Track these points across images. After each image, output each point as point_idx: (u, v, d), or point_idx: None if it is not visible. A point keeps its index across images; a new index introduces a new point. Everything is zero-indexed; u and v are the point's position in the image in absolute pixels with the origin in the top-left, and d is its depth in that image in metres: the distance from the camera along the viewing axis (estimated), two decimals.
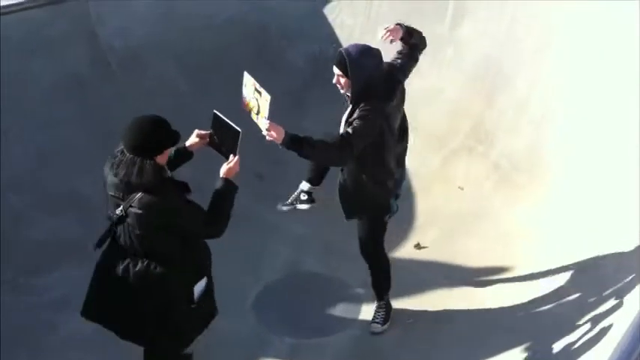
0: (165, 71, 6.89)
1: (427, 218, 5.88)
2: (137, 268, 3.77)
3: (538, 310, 4.87)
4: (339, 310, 5.17)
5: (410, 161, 6.22)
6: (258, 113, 3.98)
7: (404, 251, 5.62)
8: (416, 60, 4.52)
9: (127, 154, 3.60)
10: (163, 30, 7.01)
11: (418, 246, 5.64)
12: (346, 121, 4.12)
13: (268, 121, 3.90)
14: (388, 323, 4.91)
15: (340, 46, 7.10)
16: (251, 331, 4.96)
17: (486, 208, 5.86)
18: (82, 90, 6.51)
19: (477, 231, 5.69)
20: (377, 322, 4.90)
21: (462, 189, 6.03)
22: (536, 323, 4.73)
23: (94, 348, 4.63)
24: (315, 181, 4.89)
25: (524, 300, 4.96)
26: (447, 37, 6.62)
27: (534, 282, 5.11)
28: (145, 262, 3.76)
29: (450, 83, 6.53)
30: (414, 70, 6.48)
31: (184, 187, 3.76)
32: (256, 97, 3.99)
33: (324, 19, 7.21)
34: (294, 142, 3.91)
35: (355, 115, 4.03)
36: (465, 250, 5.55)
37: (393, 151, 4.33)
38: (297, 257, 5.60)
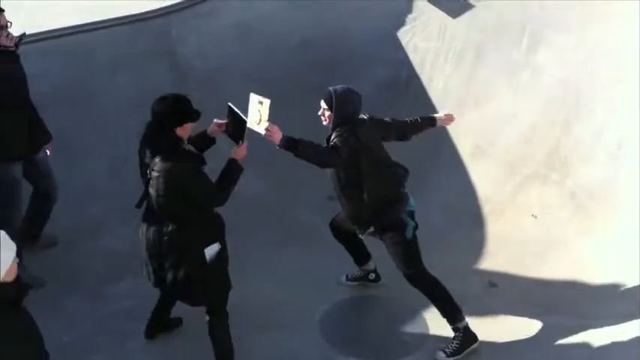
0: (239, 91, 7.00)
1: (498, 244, 5.81)
2: (155, 228, 4.27)
3: (618, 341, 4.70)
4: (405, 334, 5.13)
5: (482, 186, 6.30)
6: (260, 121, 4.33)
7: (475, 279, 5.58)
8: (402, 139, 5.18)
9: (154, 125, 4.21)
10: (239, 50, 7.20)
11: (492, 285, 5.54)
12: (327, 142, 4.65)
13: (268, 123, 4.30)
14: (459, 356, 4.75)
15: (412, 70, 7.17)
16: (317, 349, 4.95)
17: (559, 237, 5.75)
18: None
19: (549, 259, 5.59)
20: (444, 351, 4.78)
21: (536, 217, 5.94)
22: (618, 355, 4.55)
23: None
24: (360, 261, 5.43)
25: (598, 332, 4.81)
26: (523, 62, 6.58)
27: (602, 321, 4.95)
28: (162, 222, 4.25)
29: (526, 109, 6.46)
30: (488, 95, 6.52)
31: (200, 159, 4.30)
32: (259, 109, 4.36)
33: (397, 43, 7.25)
34: (289, 143, 4.35)
35: (333, 137, 4.60)
36: (538, 279, 5.46)
37: (383, 174, 4.75)
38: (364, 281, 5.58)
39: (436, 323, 5.09)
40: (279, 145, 4.33)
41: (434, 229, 5.71)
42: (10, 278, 2.86)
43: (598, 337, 4.76)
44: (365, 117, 4.80)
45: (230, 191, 4.33)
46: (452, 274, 5.53)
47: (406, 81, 7.08)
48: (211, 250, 4.35)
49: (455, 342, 4.79)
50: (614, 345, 4.63)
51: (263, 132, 4.31)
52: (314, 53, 7.24)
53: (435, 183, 6.29)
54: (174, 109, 4.24)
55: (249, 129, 4.36)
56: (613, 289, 5.15)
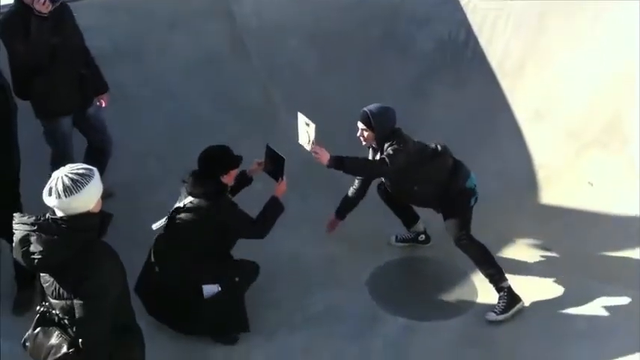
0: (295, 51, 7.04)
1: (553, 211, 5.71)
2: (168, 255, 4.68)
3: None
4: (454, 295, 5.14)
5: (539, 152, 6.17)
6: (309, 142, 4.78)
7: (527, 246, 5.51)
8: None
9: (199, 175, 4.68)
10: (295, 10, 7.16)
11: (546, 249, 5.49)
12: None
13: (316, 146, 4.76)
14: (507, 314, 4.81)
15: (471, 31, 7.02)
16: (365, 307, 5.01)
17: (616, 207, 5.62)
18: (216, 66, 6.78)
19: (605, 228, 5.48)
20: (494, 311, 4.83)
21: (592, 185, 5.81)
22: None
23: None
24: (409, 223, 5.53)
25: None
26: (587, 30, 6.36)
27: None
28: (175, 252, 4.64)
29: (587, 76, 6.27)
30: (549, 60, 6.36)
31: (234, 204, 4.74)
32: (306, 130, 4.80)
33: (456, 3, 7.10)
34: (337, 163, 4.76)
35: (385, 149, 4.83)
36: (588, 247, 5.36)
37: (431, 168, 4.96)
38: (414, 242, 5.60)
39: (484, 285, 5.09)
40: (327, 165, 4.73)
41: (488, 194, 5.59)
42: (97, 210, 3.12)
43: None
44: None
45: (270, 226, 4.73)
46: (504, 238, 5.52)
47: (465, 42, 6.94)
48: (208, 289, 4.62)
49: (501, 302, 4.84)
50: None
51: (310, 150, 4.78)
52: (372, 11, 7.15)
53: (491, 147, 6.19)
54: (221, 159, 4.72)
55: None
56: None
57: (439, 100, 6.76)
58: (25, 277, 4.75)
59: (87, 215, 3.06)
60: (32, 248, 3.04)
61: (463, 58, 6.91)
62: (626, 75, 6.07)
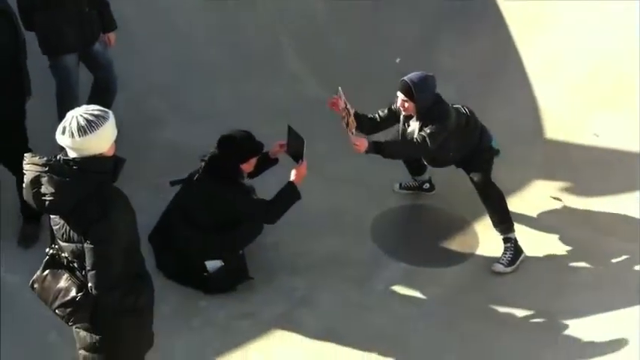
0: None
1: (559, 163, 5.72)
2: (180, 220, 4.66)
3: None
4: (455, 243, 5.14)
5: (547, 104, 6.13)
6: (347, 126, 4.72)
7: (532, 198, 5.50)
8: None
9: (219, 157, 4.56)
10: None
11: (556, 198, 5.47)
12: (419, 130, 4.76)
13: (354, 136, 4.67)
14: (513, 267, 4.83)
15: None
16: (368, 252, 5.02)
17: (620, 160, 5.61)
18: (223, 8, 6.67)
19: (607, 182, 5.48)
20: (501, 263, 4.84)
21: (597, 136, 5.79)
22: None
23: None
24: (415, 172, 5.46)
25: None
26: None
27: None
28: (186, 221, 4.61)
29: (600, 30, 6.20)
30: (562, 9, 6.26)
31: (249, 190, 4.69)
32: (346, 114, 4.72)
33: None
34: (376, 149, 4.67)
35: (426, 127, 4.71)
36: (593, 200, 5.37)
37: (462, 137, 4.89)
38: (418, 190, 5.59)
39: (485, 235, 5.13)
40: (366, 152, 4.66)
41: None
42: (111, 153, 3.05)
43: None
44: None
45: (282, 213, 4.55)
46: (509, 189, 5.48)
47: None
48: (212, 264, 4.58)
49: (508, 253, 4.85)
50: None
51: (350, 138, 4.68)
52: None
53: (500, 97, 6.15)
54: (239, 146, 4.56)
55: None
56: None
57: (449, 50, 6.68)
58: (31, 210, 4.73)
59: (100, 158, 2.99)
60: (43, 189, 2.97)
61: (473, 7, 6.81)
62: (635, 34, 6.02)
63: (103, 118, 2.98)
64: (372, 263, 4.94)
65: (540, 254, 4.99)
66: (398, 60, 6.58)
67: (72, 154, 2.98)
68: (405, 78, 4.70)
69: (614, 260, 4.90)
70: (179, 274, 4.67)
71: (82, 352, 3.31)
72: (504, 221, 4.87)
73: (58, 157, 3.02)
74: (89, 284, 3.08)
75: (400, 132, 4.93)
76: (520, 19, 6.59)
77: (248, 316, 4.48)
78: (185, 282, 4.65)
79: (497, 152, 5.00)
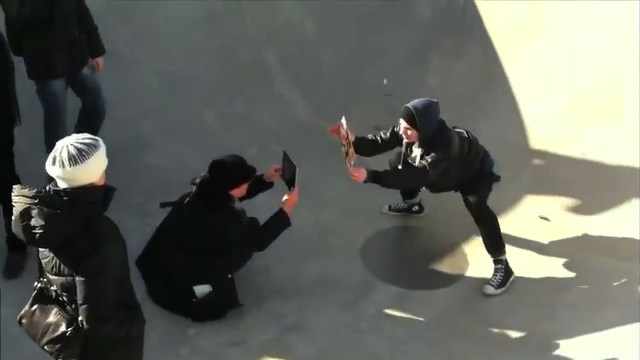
0: (293, 13, 6.94)
1: (548, 181, 5.72)
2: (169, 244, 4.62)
3: None
4: (445, 265, 5.14)
5: (538, 122, 6.14)
6: (347, 155, 4.65)
7: (521, 217, 5.51)
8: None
9: (209, 182, 4.53)
10: None
11: (544, 218, 5.48)
12: (421, 158, 4.68)
13: (352, 167, 4.60)
14: (504, 288, 4.83)
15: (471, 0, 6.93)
16: (358, 275, 5.01)
17: (612, 179, 5.62)
18: (210, 26, 6.68)
19: (599, 201, 5.49)
20: (491, 285, 4.83)
21: (584, 154, 5.81)
22: None
23: None
24: (407, 195, 5.46)
25: None
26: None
27: None
28: (176, 244, 4.57)
29: (590, 48, 6.23)
30: (551, 30, 6.26)
31: (239, 214, 4.65)
32: (347, 143, 4.66)
33: None
34: (375, 179, 4.59)
35: (428, 155, 4.61)
36: (583, 219, 5.38)
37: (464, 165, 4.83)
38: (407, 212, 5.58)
39: (475, 256, 5.13)
40: (364, 181, 4.58)
41: None
42: (102, 183, 3.00)
43: None
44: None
45: (271, 240, 4.59)
46: (499, 208, 5.48)
47: (464, 9, 6.85)
48: (200, 290, 4.55)
49: (498, 274, 4.85)
50: None
51: (347, 168, 4.60)
52: None
53: (489, 116, 6.15)
54: (231, 171, 4.53)
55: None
56: None
57: (438, 68, 6.71)
58: (17, 240, 4.70)
59: (91, 188, 2.94)
60: (33, 222, 2.91)
61: (462, 26, 6.84)
62: (628, 47, 6.04)
63: (95, 146, 2.93)
64: (362, 286, 4.93)
65: (529, 274, 4.99)
66: (385, 81, 6.62)
67: (62, 185, 2.93)
68: (409, 105, 4.61)
69: (603, 279, 4.89)
70: (168, 299, 4.64)
71: None
72: (497, 245, 4.86)
73: (47, 188, 2.97)
74: (80, 318, 3.03)
75: (402, 156, 4.87)
76: (507, 37, 6.61)
77: (238, 343, 4.46)
78: (173, 308, 4.62)
79: (497, 178, 4.94)
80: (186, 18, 6.59)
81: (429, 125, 4.59)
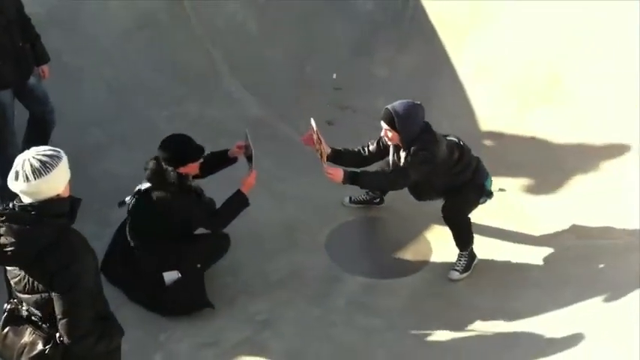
0: (235, 12, 6.90)
1: (498, 166, 5.80)
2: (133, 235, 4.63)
3: (613, 266, 4.79)
4: (409, 253, 5.19)
5: (483, 108, 6.29)
6: (320, 156, 4.63)
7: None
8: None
9: (160, 163, 4.49)
10: None
11: (501, 189, 5.55)
12: (405, 159, 4.59)
13: (328, 166, 4.56)
14: (468, 273, 4.91)
15: None
16: (325, 269, 5.03)
17: (559, 158, 5.79)
18: (154, 30, 6.59)
19: (550, 180, 5.65)
20: (456, 270, 4.91)
21: (534, 138, 5.97)
22: (609, 279, 4.65)
23: None
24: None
25: (600, 255, 4.92)
26: None
27: (606, 241, 5.05)
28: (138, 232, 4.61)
29: (530, 32, 6.39)
30: (491, 13, 6.39)
31: (197, 193, 4.61)
32: (318, 143, 4.62)
33: None
34: (352, 179, 4.53)
35: (410, 155, 4.52)
36: (538, 198, 5.53)
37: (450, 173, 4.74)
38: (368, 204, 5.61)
39: (438, 242, 5.21)
40: (342, 182, 4.52)
41: None
42: (67, 194, 2.96)
43: (602, 255, 4.88)
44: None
45: (228, 221, 4.60)
46: None
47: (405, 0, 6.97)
48: (169, 276, 4.57)
49: (462, 260, 4.93)
50: (619, 261, 4.74)
51: (324, 169, 4.54)
52: None
53: (436, 104, 6.20)
54: (178, 151, 4.50)
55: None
56: (616, 206, 5.22)
57: (382, 59, 6.78)
58: None
59: (57, 200, 2.89)
60: (3, 240, 2.85)
61: (404, 16, 6.93)
62: (568, 30, 6.23)
63: (57, 157, 2.89)
64: (329, 279, 4.95)
65: (490, 257, 5.09)
66: (334, 75, 6.66)
67: (27, 200, 2.88)
68: (389, 106, 4.56)
69: (560, 258, 5.03)
70: (143, 296, 4.61)
71: None
72: (465, 242, 4.91)
73: (12, 205, 2.90)
74: (58, 334, 2.97)
75: (391, 163, 4.78)
76: (450, 25, 6.74)
77: (211, 345, 4.43)
78: (142, 301, 4.60)
79: (489, 194, 4.84)
80: (129, 23, 6.48)
81: (410, 127, 4.50)
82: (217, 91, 6.48)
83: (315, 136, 4.64)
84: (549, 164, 5.75)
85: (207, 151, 5.51)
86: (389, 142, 4.67)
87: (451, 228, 4.90)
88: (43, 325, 3.03)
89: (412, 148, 4.51)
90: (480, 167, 4.84)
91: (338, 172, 4.51)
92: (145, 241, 4.58)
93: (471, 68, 6.52)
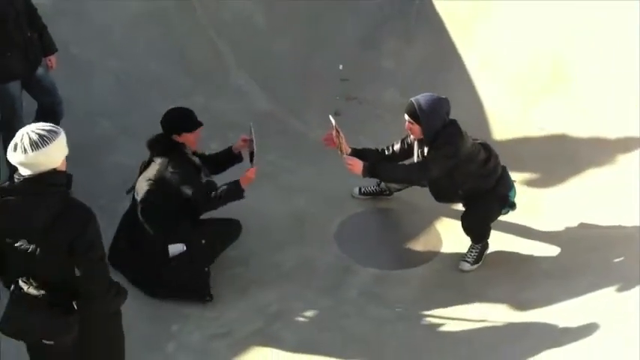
0: (243, 4, 6.88)
1: (509, 157, 5.79)
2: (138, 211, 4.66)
3: (624, 256, 4.77)
4: (420, 244, 5.19)
5: (492, 101, 6.27)
6: (340, 151, 4.66)
7: None
8: None
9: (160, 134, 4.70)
10: None
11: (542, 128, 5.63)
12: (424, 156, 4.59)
13: (348, 157, 4.57)
14: (478, 264, 4.90)
15: None
16: (336, 260, 5.02)
17: (565, 149, 5.78)
18: (161, 21, 6.57)
19: (558, 172, 5.64)
20: (467, 261, 4.89)
21: (543, 129, 5.95)
22: (620, 269, 4.64)
23: None
24: None
25: (611, 245, 4.90)
26: None
27: (617, 232, 5.04)
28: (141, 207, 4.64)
29: (533, 25, 6.37)
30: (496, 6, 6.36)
31: (196, 167, 4.68)
32: (338, 137, 4.65)
33: None
34: (372, 171, 4.53)
35: (434, 149, 4.50)
36: (546, 191, 5.51)
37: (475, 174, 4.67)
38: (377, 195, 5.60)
39: (448, 233, 5.21)
40: (362, 175, 4.52)
41: None
42: (64, 168, 3.09)
43: (613, 246, 4.87)
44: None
45: (216, 205, 4.61)
46: None
47: None
48: (174, 248, 4.59)
49: (474, 251, 4.91)
50: (630, 252, 4.73)
51: (344, 161, 4.55)
52: None
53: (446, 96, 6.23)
54: (172, 119, 4.69)
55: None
56: (626, 198, 5.21)
57: (390, 52, 6.76)
58: None
59: (54, 172, 3.01)
60: (12, 213, 2.96)
61: (411, 8, 6.92)
62: (572, 20, 6.22)
63: (55, 132, 3.02)
64: (340, 270, 4.94)
65: (501, 248, 5.08)
66: (341, 67, 6.64)
67: (25, 172, 2.98)
68: (412, 99, 4.53)
69: (572, 247, 5.02)
70: (142, 273, 4.64)
71: None
72: (483, 236, 4.88)
73: (15, 179, 3.00)
74: (75, 301, 3.08)
75: (416, 158, 4.73)
76: (457, 18, 6.72)
77: (223, 335, 4.42)
78: (147, 282, 4.62)
79: (512, 205, 4.79)
80: (137, 15, 6.46)
81: (433, 120, 4.46)
82: (225, 84, 6.46)
83: (334, 132, 4.64)
84: (558, 157, 5.74)
85: (215, 144, 5.57)
86: (411, 137, 4.63)
87: (470, 235, 4.85)
88: (57, 298, 3.10)
89: (436, 142, 4.45)
90: (505, 176, 4.78)
91: (357, 163, 4.50)
92: (151, 216, 4.61)
93: (478, 61, 6.50)
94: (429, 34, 6.77)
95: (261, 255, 4.96)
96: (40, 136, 2.95)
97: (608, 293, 4.48)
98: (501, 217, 5.27)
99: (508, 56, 6.41)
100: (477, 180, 4.65)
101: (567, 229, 5.18)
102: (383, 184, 5.45)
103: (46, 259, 3.02)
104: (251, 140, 4.71)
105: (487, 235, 4.89)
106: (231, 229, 4.77)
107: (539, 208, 5.41)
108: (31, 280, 3.12)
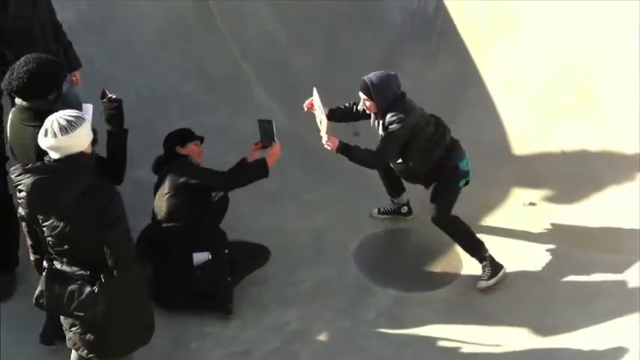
0: (265, 22, 6.92)
1: (529, 179, 5.80)
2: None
3: None
4: (440, 266, 5.18)
5: (511, 121, 6.25)
6: (321, 123, 4.88)
7: (505, 214, 5.59)
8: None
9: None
10: None
11: (532, 204, 5.58)
12: (383, 129, 4.84)
13: (327, 135, 4.82)
14: (496, 278, 4.88)
15: (440, 2, 7.03)
16: (354, 281, 5.02)
17: (587, 172, 5.75)
18: (185, 38, 6.62)
19: (578, 195, 5.61)
20: (483, 279, 4.89)
21: (565, 153, 5.92)
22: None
23: None
24: (394, 193, 5.47)
25: (632, 269, 4.87)
26: None
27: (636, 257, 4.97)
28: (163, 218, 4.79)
29: (556, 43, 6.34)
30: (518, 28, 6.36)
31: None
32: (320, 113, 4.90)
33: None
34: (344, 150, 4.83)
35: (385, 125, 4.78)
36: (567, 214, 5.48)
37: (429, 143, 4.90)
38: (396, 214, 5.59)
39: (468, 256, 5.10)
40: (335, 151, 4.81)
41: None
42: (90, 151, 3.38)
43: (631, 270, 4.82)
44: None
45: (241, 183, 4.77)
46: (484, 208, 5.59)
47: (434, 13, 6.95)
48: (199, 257, 4.62)
49: (486, 269, 4.91)
50: None
51: (322, 138, 4.82)
52: None
53: (464, 118, 6.20)
54: (172, 134, 5.03)
55: None
56: None
57: (410, 72, 6.74)
58: (4, 262, 4.64)
59: (82, 154, 3.29)
60: (43, 191, 3.18)
61: (433, 29, 6.92)
62: (594, 42, 6.19)
63: (82, 119, 3.32)
64: (359, 291, 4.94)
65: (521, 268, 5.06)
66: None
67: (55, 155, 3.26)
68: (365, 77, 4.85)
69: (592, 272, 4.98)
70: (172, 294, 4.61)
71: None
72: (470, 246, 4.95)
73: (45, 161, 3.27)
74: (103, 274, 3.27)
75: (372, 127, 5.02)
76: (478, 38, 6.72)
77: (242, 354, 4.42)
78: (168, 292, 4.59)
79: (465, 175, 4.95)
80: (160, 31, 6.52)
81: (386, 95, 4.78)
82: (246, 101, 6.48)
83: (317, 104, 4.91)
84: (579, 176, 5.70)
85: (232, 157, 5.59)
86: (367, 111, 4.96)
87: (449, 234, 4.96)
88: (82, 272, 3.31)
89: (386, 117, 4.75)
90: (455, 148, 4.96)
91: (335, 142, 4.81)
92: (175, 229, 4.66)
93: (499, 81, 6.49)
94: (450, 54, 6.77)
95: (280, 273, 4.97)
96: (68, 121, 3.24)
97: (631, 319, 4.44)
98: (521, 237, 5.28)
99: (530, 76, 6.39)
100: (426, 152, 4.86)
101: (586, 252, 5.13)
102: (397, 201, 5.50)
103: (74, 236, 3.24)
104: (262, 136, 4.87)
105: (475, 242, 4.94)
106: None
107: (559, 229, 5.39)
108: (62, 257, 3.33)
